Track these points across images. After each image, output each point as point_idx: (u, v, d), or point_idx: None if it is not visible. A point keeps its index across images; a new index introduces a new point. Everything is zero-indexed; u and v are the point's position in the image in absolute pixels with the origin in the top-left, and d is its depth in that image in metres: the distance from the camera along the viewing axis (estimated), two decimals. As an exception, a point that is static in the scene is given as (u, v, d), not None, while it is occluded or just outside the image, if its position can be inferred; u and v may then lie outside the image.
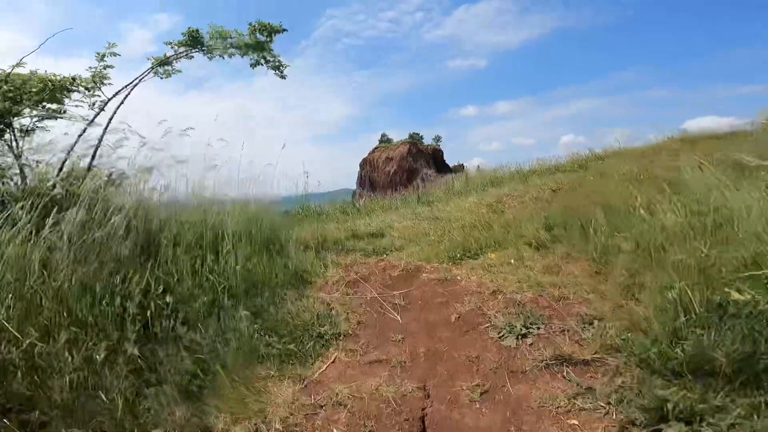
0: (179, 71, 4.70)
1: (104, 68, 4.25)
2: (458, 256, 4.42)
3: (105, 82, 4.26)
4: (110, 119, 4.17)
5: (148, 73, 4.47)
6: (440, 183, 11.61)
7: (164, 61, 4.58)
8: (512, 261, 4.15)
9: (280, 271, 3.95)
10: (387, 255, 4.79)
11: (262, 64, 5.01)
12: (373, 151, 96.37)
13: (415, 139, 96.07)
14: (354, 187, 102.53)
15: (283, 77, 5.26)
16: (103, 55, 4.25)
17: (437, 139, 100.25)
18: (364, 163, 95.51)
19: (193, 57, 4.76)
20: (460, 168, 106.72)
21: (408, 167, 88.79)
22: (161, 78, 4.61)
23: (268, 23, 4.95)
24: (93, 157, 4.06)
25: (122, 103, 4.29)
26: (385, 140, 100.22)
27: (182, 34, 4.67)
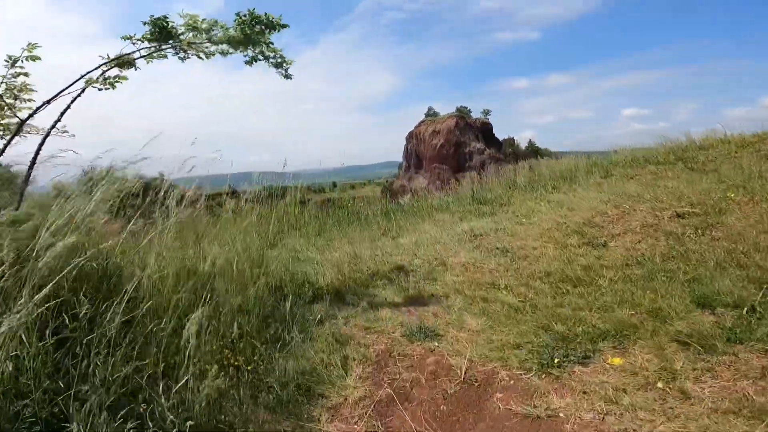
0: (124, 78, 3.20)
1: (15, 76, 2.83)
2: (553, 359, 2.68)
3: (21, 96, 2.85)
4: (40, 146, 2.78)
5: (102, 73, 2.99)
6: (499, 172, 9.61)
7: (122, 61, 3.08)
8: (658, 383, 2.38)
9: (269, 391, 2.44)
10: (439, 337, 3.11)
11: (260, 60, 3.49)
12: (420, 124, 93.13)
13: (462, 113, 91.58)
14: (400, 159, 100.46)
15: (287, 77, 3.76)
16: (15, 60, 2.82)
17: (486, 112, 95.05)
18: (411, 137, 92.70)
19: (165, 56, 3.27)
20: (510, 142, 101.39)
21: (456, 141, 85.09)
22: (99, 90, 3.15)
23: (264, 15, 3.42)
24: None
25: (53, 126, 2.89)
26: (431, 114, 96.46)
27: (145, 23, 3.15)
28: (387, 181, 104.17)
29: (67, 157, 2.90)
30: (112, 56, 3.17)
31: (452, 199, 8.37)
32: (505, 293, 3.71)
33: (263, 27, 3.59)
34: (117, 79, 3.14)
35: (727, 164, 8.04)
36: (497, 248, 4.64)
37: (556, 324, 3.10)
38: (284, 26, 3.67)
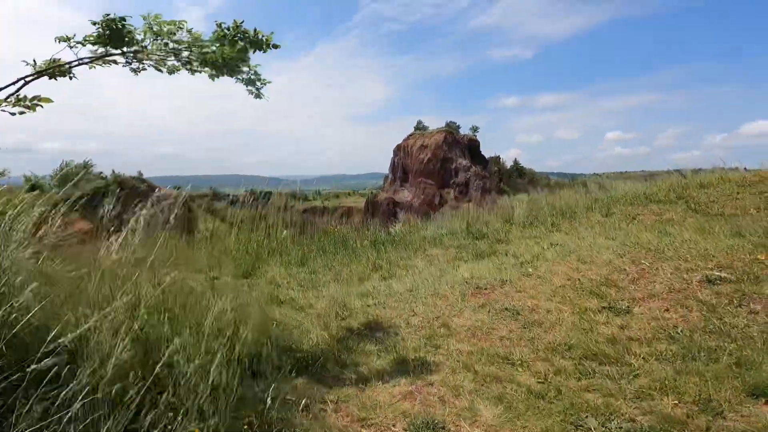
0: (47, 100, 2.56)
1: None
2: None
3: None
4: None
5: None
6: (495, 203, 9.17)
7: (53, 72, 2.44)
8: None
9: None
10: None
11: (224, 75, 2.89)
12: (408, 137, 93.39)
13: (451, 128, 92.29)
14: (387, 171, 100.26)
15: (258, 96, 3.17)
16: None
17: (474, 129, 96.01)
18: (398, 150, 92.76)
19: (113, 63, 2.64)
20: (496, 160, 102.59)
21: (443, 156, 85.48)
22: (13, 114, 2.49)
23: (254, 32, 2.85)
24: None
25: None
26: (420, 127, 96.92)
27: (94, 23, 2.53)
28: (371, 193, 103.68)
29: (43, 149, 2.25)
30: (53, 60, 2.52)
31: (446, 232, 7.84)
32: (521, 371, 3.16)
33: (248, 44, 3.00)
34: (37, 102, 2.46)
35: (730, 206, 7.78)
36: (506, 309, 4.09)
37: (586, 416, 2.56)
38: (275, 47, 3.09)
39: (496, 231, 7.71)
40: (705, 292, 3.83)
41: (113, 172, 42.85)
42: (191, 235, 9.48)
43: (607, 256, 5.07)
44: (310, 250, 7.81)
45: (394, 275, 5.99)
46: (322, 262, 7.18)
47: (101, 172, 41.93)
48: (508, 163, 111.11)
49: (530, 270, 5.09)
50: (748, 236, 5.03)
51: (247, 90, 3.32)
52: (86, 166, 41.82)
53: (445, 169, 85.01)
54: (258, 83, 3.22)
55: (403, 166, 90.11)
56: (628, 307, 3.88)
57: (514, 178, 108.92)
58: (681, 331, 3.44)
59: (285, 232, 8.04)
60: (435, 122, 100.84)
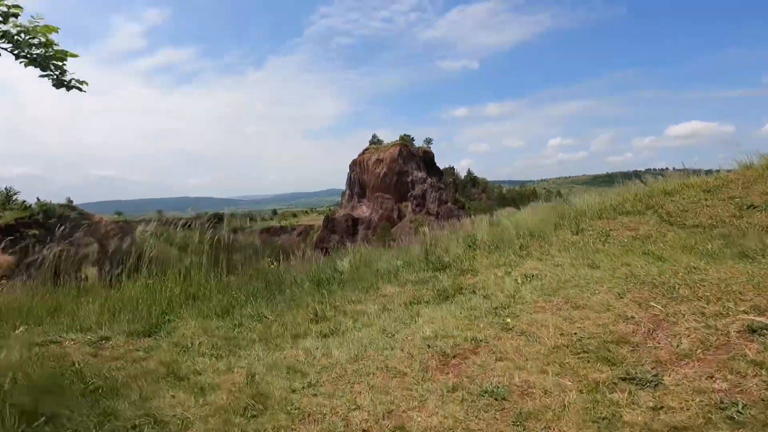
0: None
1: None
2: None
3: None
4: None
5: None
6: (453, 218, 8.07)
7: None
8: None
9: None
10: None
11: None
12: (363, 152, 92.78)
13: (405, 141, 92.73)
14: (343, 187, 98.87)
15: (65, 85, 1.82)
16: None
17: (428, 141, 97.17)
18: (354, 165, 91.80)
19: None
20: (450, 171, 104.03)
21: (398, 170, 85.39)
22: None
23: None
24: None
25: None
26: (375, 141, 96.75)
27: None
28: (330, 210, 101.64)
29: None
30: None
31: (402, 263, 6.58)
32: None
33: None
34: None
35: (704, 215, 7.11)
36: (486, 392, 2.84)
37: None
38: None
39: (458, 259, 6.56)
40: (753, 347, 2.78)
41: (38, 200, 38.44)
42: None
43: (603, 296, 3.98)
44: (240, 294, 6.30)
45: (338, 330, 4.64)
46: (251, 309, 5.70)
47: (24, 201, 37.49)
48: (462, 174, 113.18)
49: (509, 321, 3.90)
50: (759, 258, 4.15)
51: (46, 76, 1.95)
52: (8, 193, 37.22)
53: (402, 182, 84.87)
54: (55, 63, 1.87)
55: (360, 182, 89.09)
56: (656, 375, 2.75)
57: (469, 188, 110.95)
58: (743, 408, 2.34)
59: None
60: (389, 135, 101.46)
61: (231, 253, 7.59)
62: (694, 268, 4.10)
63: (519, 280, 5.14)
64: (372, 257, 7.21)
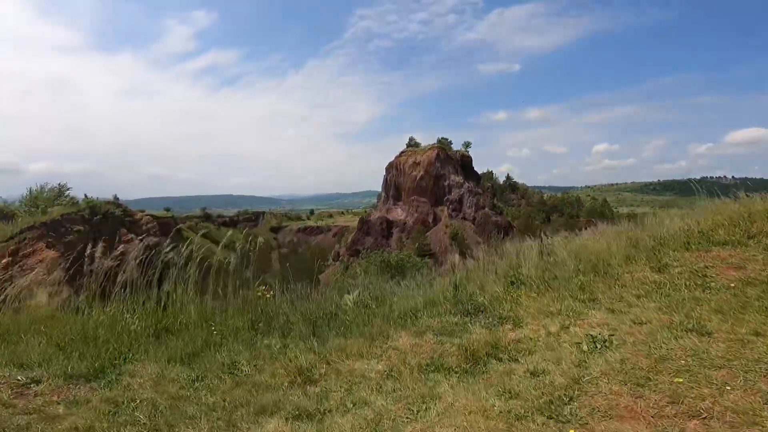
0: None
1: None
2: None
3: None
4: None
5: None
6: (492, 254, 6.50)
7: None
8: None
9: None
10: None
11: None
12: (400, 155, 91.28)
13: (443, 144, 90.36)
14: (380, 189, 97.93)
15: None
16: None
17: (467, 145, 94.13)
18: (391, 167, 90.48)
19: None
20: (489, 175, 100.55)
21: (435, 173, 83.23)
22: None
23: None
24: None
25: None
26: (412, 144, 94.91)
27: None
28: (365, 212, 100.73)
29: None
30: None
31: (423, 300, 5.09)
32: None
33: None
34: None
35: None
36: None
37: None
38: None
39: (496, 299, 5.00)
40: None
41: (85, 196, 39.72)
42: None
43: (736, 394, 2.35)
44: (224, 330, 5.08)
45: (319, 408, 3.25)
46: (226, 355, 4.44)
47: (73, 197, 38.81)
48: (501, 178, 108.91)
49: (576, 425, 2.37)
50: None
51: None
52: (61, 189, 38.74)
53: (438, 186, 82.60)
54: None
55: (395, 184, 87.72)
56: None
57: (507, 193, 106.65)
58: None
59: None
60: (426, 139, 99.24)
61: (233, 273, 6.36)
62: None
63: (584, 346, 3.54)
64: (386, 293, 5.75)
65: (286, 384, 3.77)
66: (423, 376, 3.60)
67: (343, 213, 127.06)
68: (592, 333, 3.78)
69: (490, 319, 4.68)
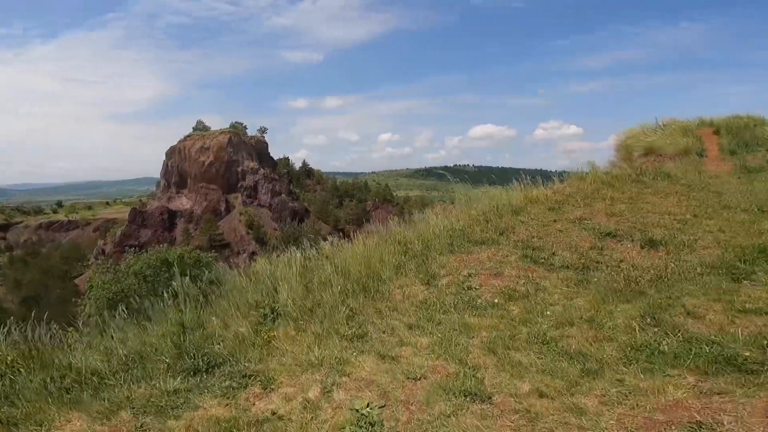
0: None
1: None
2: None
3: None
4: None
5: None
6: (244, 273, 4.86)
7: None
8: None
9: None
10: None
11: None
12: (185, 139, 79.50)
13: (237, 129, 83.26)
14: (159, 177, 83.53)
15: None
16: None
17: (262, 130, 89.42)
18: (173, 152, 77.83)
19: None
20: (285, 161, 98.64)
21: (227, 159, 76.10)
22: None
23: None
24: None
25: None
26: (200, 128, 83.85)
27: None
28: (140, 201, 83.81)
29: None
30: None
31: (125, 353, 3.04)
32: None
33: None
34: None
35: (561, 245, 5.71)
36: None
37: None
38: None
39: (242, 343, 3.42)
40: None
41: None
42: None
43: None
44: None
45: None
46: None
47: None
48: (297, 164, 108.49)
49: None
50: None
51: None
52: None
53: (231, 173, 75.89)
54: None
55: (179, 171, 76.10)
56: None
57: (303, 179, 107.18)
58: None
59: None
60: (220, 123, 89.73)
61: None
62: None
63: (350, 428, 2.32)
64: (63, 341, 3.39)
65: None
66: None
67: (108, 204, 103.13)
68: (357, 407, 2.61)
69: (230, 380, 3.07)
